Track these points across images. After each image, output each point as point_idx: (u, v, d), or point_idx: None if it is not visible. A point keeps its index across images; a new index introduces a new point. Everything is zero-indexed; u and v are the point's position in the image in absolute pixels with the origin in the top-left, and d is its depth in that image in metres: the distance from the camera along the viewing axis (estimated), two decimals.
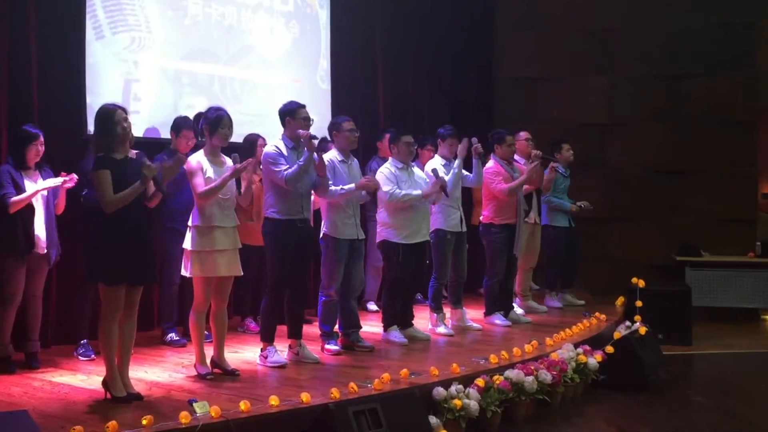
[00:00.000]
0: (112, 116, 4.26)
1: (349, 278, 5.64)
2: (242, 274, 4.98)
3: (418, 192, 5.91)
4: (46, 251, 5.06)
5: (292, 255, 5.16)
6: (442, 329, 6.34)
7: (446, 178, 6.07)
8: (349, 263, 5.61)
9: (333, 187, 5.43)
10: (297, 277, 5.25)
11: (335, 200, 5.50)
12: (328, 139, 5.96)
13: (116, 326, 4.25)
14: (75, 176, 5.04)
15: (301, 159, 5.08)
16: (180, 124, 5.85)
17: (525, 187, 6.89)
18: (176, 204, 5.54)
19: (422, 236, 6.05)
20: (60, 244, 5.21)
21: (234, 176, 4.75)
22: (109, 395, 4.25)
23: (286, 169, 5.08)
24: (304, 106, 5.30)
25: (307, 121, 5.23)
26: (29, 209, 4.95)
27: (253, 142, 6.14)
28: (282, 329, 5.36)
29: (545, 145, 7.68)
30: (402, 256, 5.91)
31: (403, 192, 5.86)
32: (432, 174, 6.06)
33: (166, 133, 6.20)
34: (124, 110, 4.33)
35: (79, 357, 5.32)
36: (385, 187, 5.84)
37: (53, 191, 5.13)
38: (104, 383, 4.29)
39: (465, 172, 6.53)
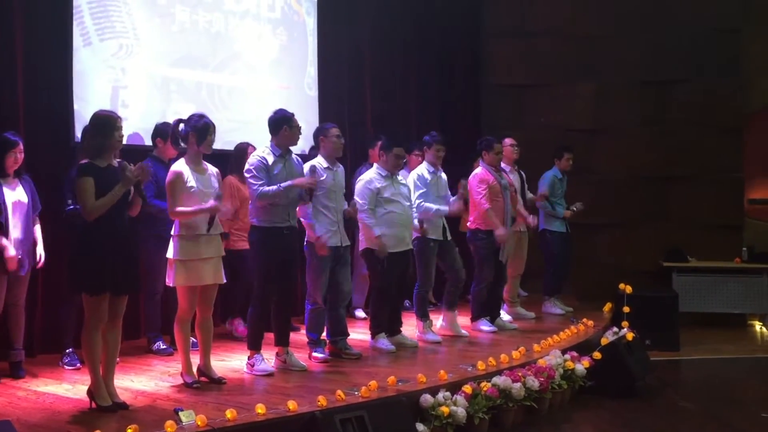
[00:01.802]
0: (114, 123, 4.28)
1: (337, 286, 5.63)
2: (225, 281, 4.96)
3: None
4: (21, 258, 4.99)
5: (278, 263, 5.15)
6: (430, 336, 6.33)
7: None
8: (336, 271, 5.60)
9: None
10: (283, 285, 5.24)
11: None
12: (314, 145, 5.96)
13: (100, 335, 4.23)
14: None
15: (283, 185, 5.06)
16: (165, 129, 5.71)
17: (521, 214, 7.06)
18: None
19: (406, 245, 6.06)
20: (43, 253, 5.16)
21: (209, 213, 4.69)
22: (94, 404, 4.22)
23: (261, 185, 5.08)
24: (293, 115, 5.31)
25: (297, 130, 5.26)
26: (3, 217, 4.89)
27: (243, 150, 6.14)
28: (269, 337, 5.34)
29: (535, 150, 7.72)
30: (387, 264, 5.90)
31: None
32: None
33: (149, 140, 6.20)
34: (121, 119, 4.36)
35: (65, 366, 5.29)
36: (360, 200, 5.87)
37: (33, 200, 5.10)
38: (89, 392, 4.26)
39: (448, 194, 6.57)
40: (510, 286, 7.43)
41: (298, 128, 5.30)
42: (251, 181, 5.14)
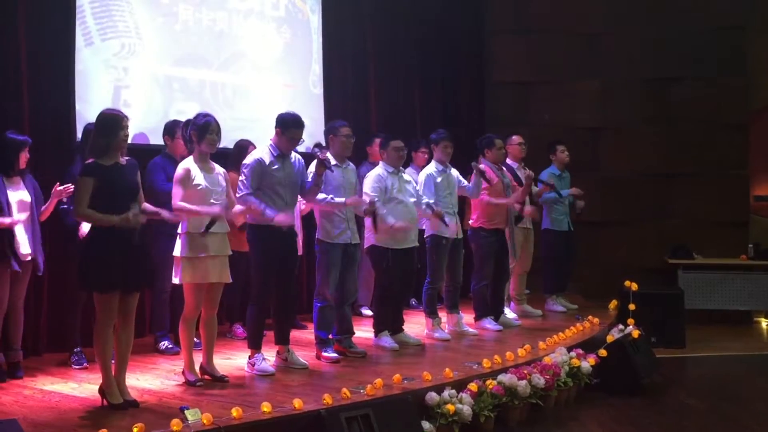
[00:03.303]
0: (120, 122, 4.29)
1: (343, 284, 5.61)
2: (231, 281, 4.96)
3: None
4: (29, 258, 4.99)
5: (276, 261, 5.13)
6: (439, 334, 6.32)
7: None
8: (343, 269, 5.59)
9: (321, 195, 5.40)
10: (283, 283, 5.22)
11: (322, 208, 5.48)
12: (323, 145, 5.93)
13: (111, 333, 4.24)
14: (70, 187, 4.99)
15: (268, 212, 4.94)
16: (173, 127, 5.78)
17: (516, 206, 6.93)
18: (170, 210, 5.48)
19: (411, 242, 6.04)
20: (46, 252, 5.16)
21: (212, 216, 4.67)
22: (105, 402, 4.23)
23: (247, 189, 5.03)
24: (300, 125, 5.19)
25: (296, 142, 5.19)
26: (7, 215, 4.88)
27: (244, 147, 6.11)
28: (270, 335, 5.34)
29: (539, 148, 7.70)
30: (391, 261, 5.89)
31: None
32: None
33: (154, 139, 6.20)
34: (127, 117, 4.36)
35: (73, 365, 5.27)
36: (371, 194, 5.81)
37: (37, 198, 5.10)
38: (101, 390, 4.27)
39: (464, 182, 6.54)
40: (516, 284, 7.42)
41: (294, 138, 5.17)
42: (241, 180, 5.11)
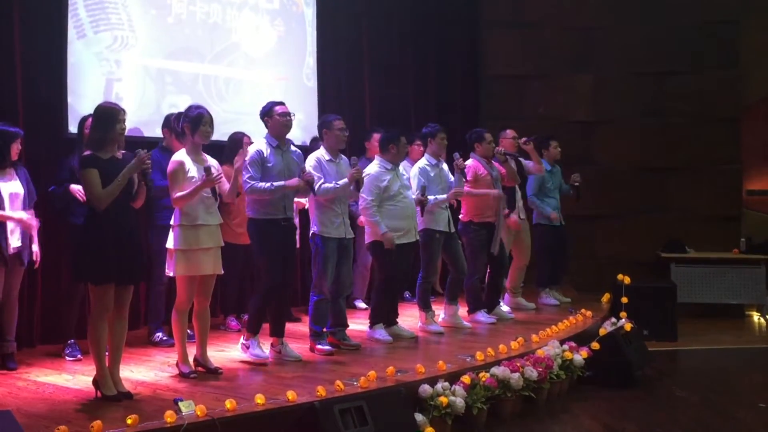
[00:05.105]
0: (116, 115, 4.29)
1: (339, 277, 5.62)
2: (222, 272, 4.97)
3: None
4: (19, 250, 4.98)
5: (277, 253, 5.15)
6: (432, 327, 6.33)
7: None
8: (338, 263, 5.59)
9: (327, 185, 5.43)
10: (281, 276, 5.23)
11: (327, 197, 5.48)
12: (318, 137, 5.93)
13: (105, 325, 4.24)
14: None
15: (275, 184, 5.07)
16: (173, 121, 5.79)
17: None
18: (167, 201, 5.45)
19: (413, 236, 6.04)
20: (41, 244, 5.15)
21: (206, 186, 4.68)
22: (99, 394, 4.24)
23: (251, 178, 5.09)
24: (281, 103, 5.29)
25: (284, 117, 5.22)
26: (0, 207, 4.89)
27: (238, 140, 6.10)
28: (266, 327, 5.35)
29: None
30: (395, 256, 5.89)
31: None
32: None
33: (147, 132, 6.19)
34: (124, 111, 4.36)
35: (67, 357, 5.27)
36: (368, 195, 5.83)
37: (29, 190, 5.08)
38: (95, 382, 4.28)
39: (451, 178, 6.53)
40: (514, 276, 7.43)
41: (284, 115, 5.22)
42: (245, 174, 5.13)
